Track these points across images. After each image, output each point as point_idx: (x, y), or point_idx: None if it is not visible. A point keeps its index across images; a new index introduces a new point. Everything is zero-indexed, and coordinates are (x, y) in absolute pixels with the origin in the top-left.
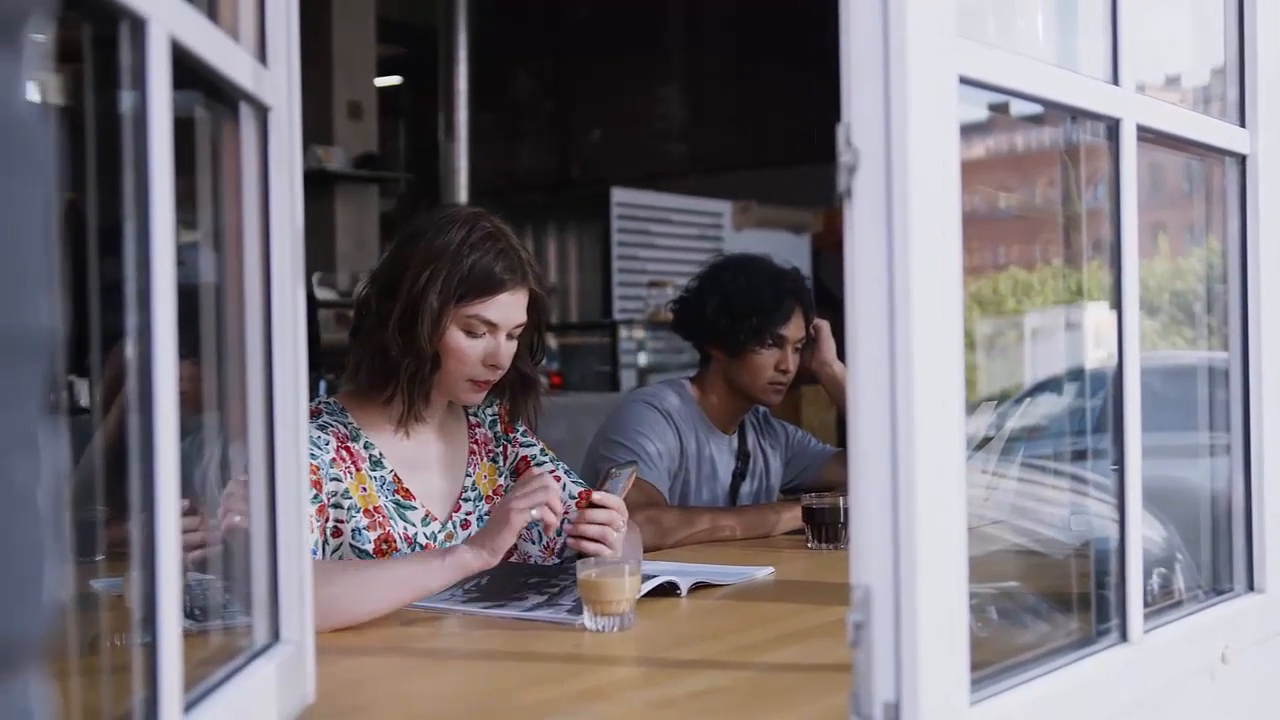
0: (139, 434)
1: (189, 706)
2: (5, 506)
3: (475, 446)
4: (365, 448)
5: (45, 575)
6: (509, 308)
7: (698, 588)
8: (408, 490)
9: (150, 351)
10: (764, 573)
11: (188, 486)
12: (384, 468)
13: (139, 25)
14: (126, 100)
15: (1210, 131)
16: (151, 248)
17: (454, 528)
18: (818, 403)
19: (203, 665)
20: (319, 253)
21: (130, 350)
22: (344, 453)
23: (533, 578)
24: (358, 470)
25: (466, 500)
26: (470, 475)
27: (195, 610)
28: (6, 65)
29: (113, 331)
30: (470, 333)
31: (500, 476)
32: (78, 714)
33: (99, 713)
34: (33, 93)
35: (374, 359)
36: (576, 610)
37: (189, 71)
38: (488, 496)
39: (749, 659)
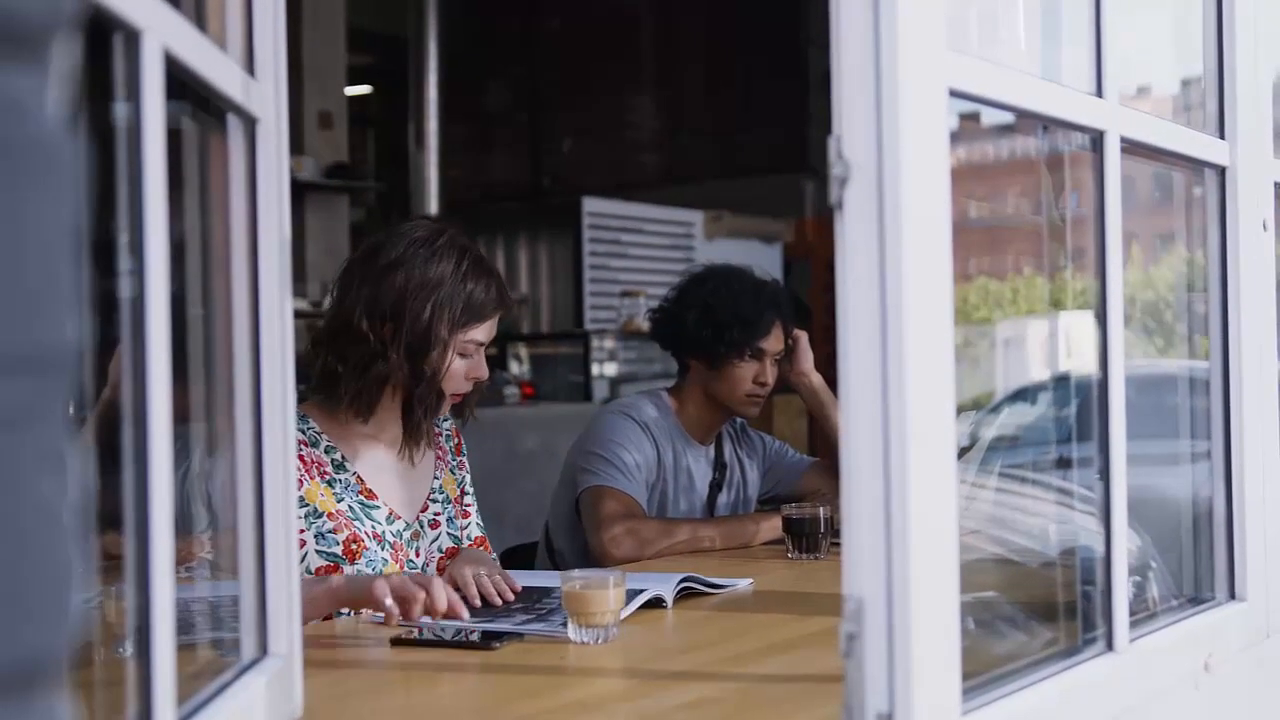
0: (132, 447)
1: None
2: (34, 523)
3: (440, 452)
4: (327, 452)
5: (72, 592)
6: (494, 327)
7: (684, 595)
8: (371, 490)
9: (144, 364)
10: (744, 584)
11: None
12: (347, 470)
13: (133, 37)
14: (119, 111)
15: (1190, 143)
16: (146, 259)
17: (421, 526)
18: (789, 412)
19: (190, 679)
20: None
21: (124, 362)
22: (299, 460)
23: (518, 601)
24: (313, 478)
25: (435, 501)
26: (438, 478)
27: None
28: (32, 81)
29: (103, 343)
30: (463, 355)
31: (457, 487)
32: None
33: None
34: (58, 109)
35: (376, 386)
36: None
37: (178, 82)
38: (454, 500)
39: (736, 670)
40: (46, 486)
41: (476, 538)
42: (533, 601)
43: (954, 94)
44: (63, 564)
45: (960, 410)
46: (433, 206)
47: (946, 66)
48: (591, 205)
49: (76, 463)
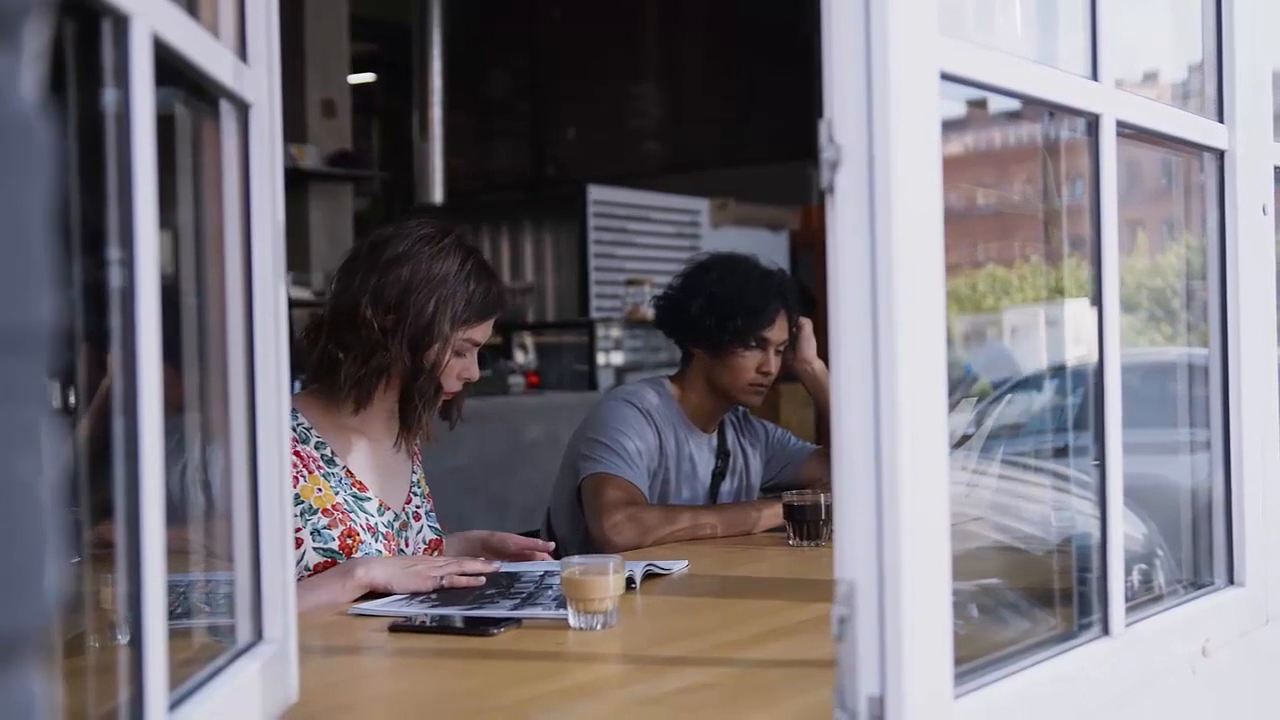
0: (123, 436)
1: (173, 705)
2: (8, 500)
3: (416, 450)
4: (316, 448)
5: (47, 570)
6: (490, 328)
7: (648, 577)
8: (361, 483)
9: (134, 353)
10: (680, 565)
11: (167, 488)
12: (337, 465)
13: (122, 22)
14: (108, 97)
15: (1189, 127)
16: (135, 248)
17: (408, 518)
18: (795, 400)
19: (185, 665)
20: (293, 252)
21: (114, 351)
22: (294, 457)
23: (489, 588)
24: (310, 473)
25: (416, 495)
26: (415, 474)
27: (175, 609)
28: (4, 63)
29: (88, 332)
30: (458, 353)
31: (426, 484)
32: (61, 714)
33: (82, 712)
34: (31, 88)
35: (375, 375)
36: (562, 604)
37: (169, 68)
38: (428, 495)
39: (733, 655)
40: (21, 464)
41: (431, 540)
42: (506, 587)
43: (945, 78)
44: (38, 541)
45: (968, 398)
46: (437, 195)
47: (938, 50)
48: (597, 193)
49: (53, 442)
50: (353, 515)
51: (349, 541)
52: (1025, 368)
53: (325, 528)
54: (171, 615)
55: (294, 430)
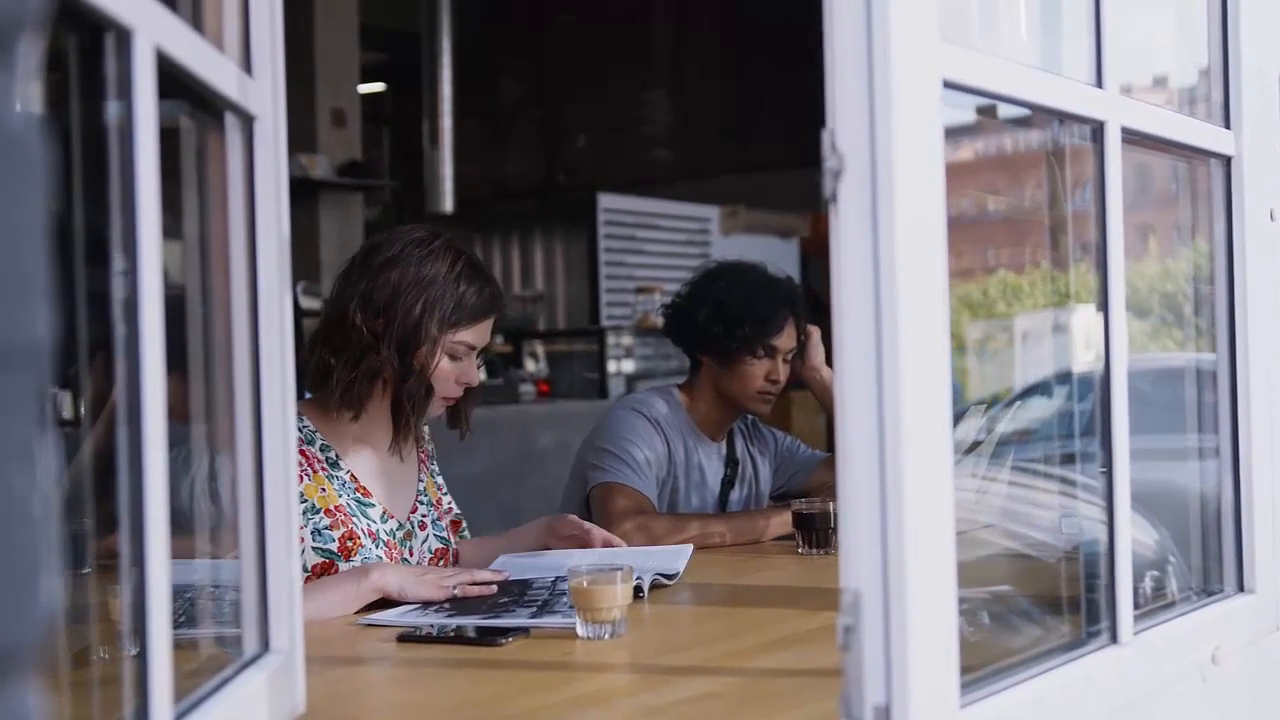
0: (127, 447)
1: (179, 717)
2: (3, 516)
3: (423, 457)
4: (322, 450)
5: (42, 584)
6: (486, 331)
7: (655, 586)
8: (365, 489)
9: (138, 363)
10: (685, 551)
11: (175, 499)
12: (341, 469)
13: (124, 36)
14: (111, 110)
15: (1195, 133)
16: (139, 259)
17: (413, 527)
18: (807, 408)
19: (192, 675)
20: (303, 262)
21: (118, 362)
22: (299, 456)
23: (502, 597)
24: (315, 473)
25: (422, 503)
26: (422, 481)
27: (180, 619)
28: (0, 79)
29: (97, 343)
30: (453, 356)
31: (438, 490)
32: None
33: None
34: (27, 104)
35: (365, 379)
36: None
37: (173, 81)
38: (435, 503)
39: (740, 664)
40: (17, 479)
41: (437, 549)
42: (519, 595)
43: (948, 85)
44: (32, 556)
45: (978, 404)
46: (447, 204)
47: (940, 57)
48: (607, 201)
49: (50, 457)
50: (355, 519)
51: (349, 544)
52: (1036, 374)
53: (326, 528)
54: (176, 625)
55: (300, 432)
